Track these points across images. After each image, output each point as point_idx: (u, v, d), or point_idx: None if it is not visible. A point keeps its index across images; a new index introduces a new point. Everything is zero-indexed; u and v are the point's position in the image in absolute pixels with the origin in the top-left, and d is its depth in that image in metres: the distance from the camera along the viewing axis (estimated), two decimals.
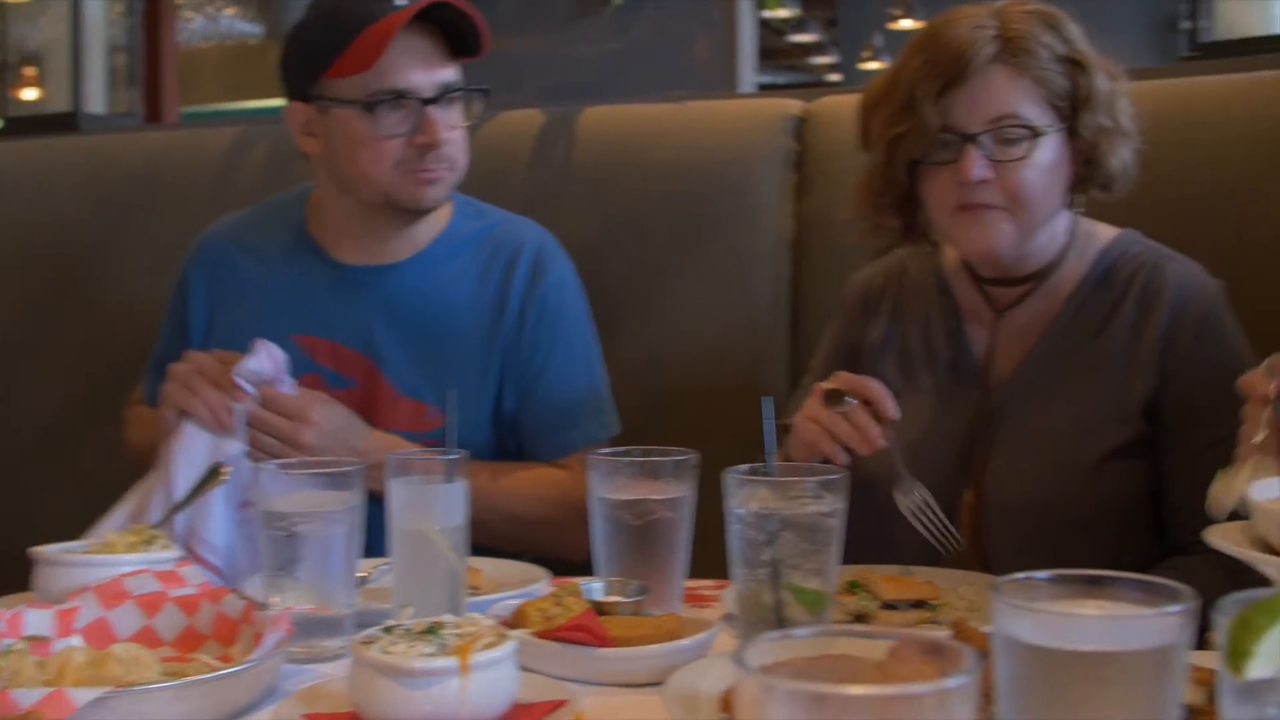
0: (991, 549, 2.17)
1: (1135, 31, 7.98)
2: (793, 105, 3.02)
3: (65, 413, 3.45)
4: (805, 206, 2.93)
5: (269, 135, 3.32)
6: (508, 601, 1.84)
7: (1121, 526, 2.16)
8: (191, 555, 2.06)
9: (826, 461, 2.09)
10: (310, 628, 1.74)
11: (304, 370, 2.51)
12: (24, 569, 1.88)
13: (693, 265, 2.95)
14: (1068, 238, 2.27)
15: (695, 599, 1.97)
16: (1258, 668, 0.94)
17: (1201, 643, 1.08)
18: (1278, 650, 0.93)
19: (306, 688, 1.58)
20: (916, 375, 2.33)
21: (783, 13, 12.09)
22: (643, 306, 2.97)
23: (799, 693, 0.88)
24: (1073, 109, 2.17)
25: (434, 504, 1.81)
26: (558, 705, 1.51)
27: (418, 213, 2.54)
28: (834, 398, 2.10)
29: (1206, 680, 1.24)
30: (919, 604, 1.87)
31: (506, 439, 2.61)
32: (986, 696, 1.09)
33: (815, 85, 9.95)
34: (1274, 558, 1.31)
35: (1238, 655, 0.93)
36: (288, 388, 2.33)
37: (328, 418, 2.36)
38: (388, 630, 1.51)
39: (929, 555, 2.15)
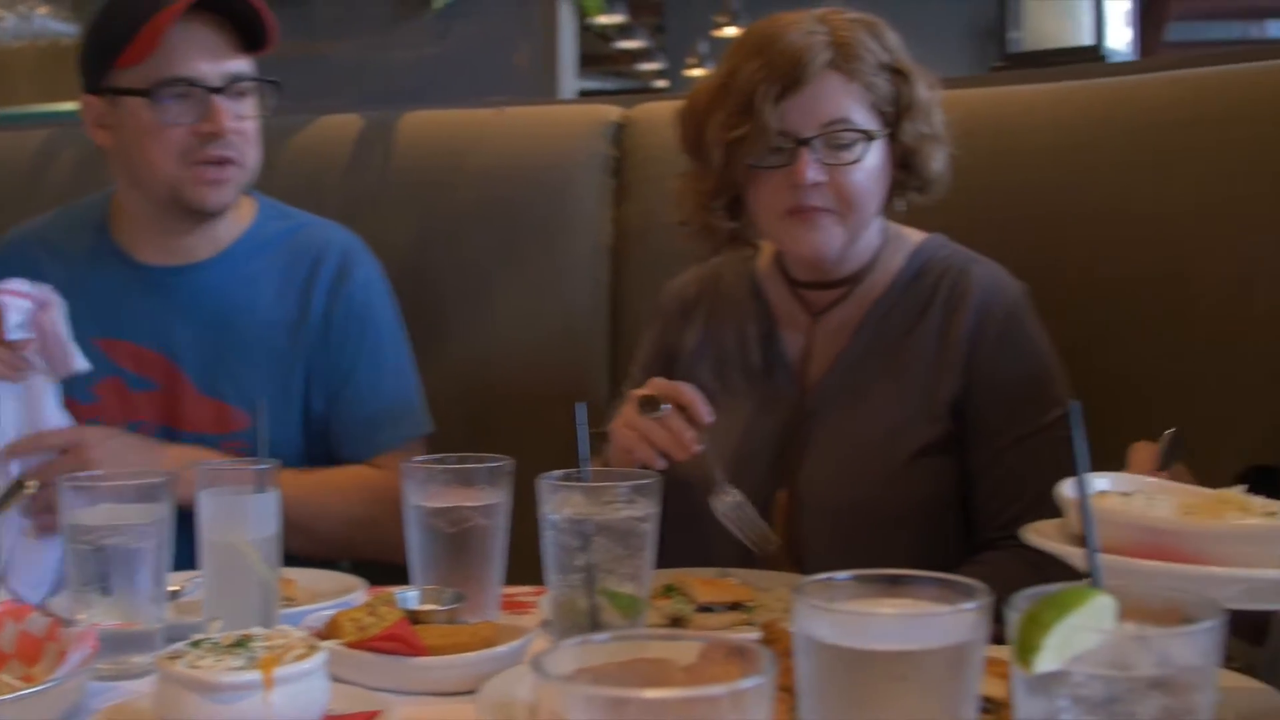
0: (806, 548, 2.20)
1: (956, 40, 8.16)
2: (612, 111, 3.03)
3: None
4: (624, 212, 2.94)
5: (81, 137, 3.24)
6: (322, 612, 1.81)
7: (932, 523, 2.20)
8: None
9: (645, 468, 2.10)
10: (118, 644, 1.69)
11: (105, 373, 2.48)
12: None
13: (513, 271, 2.94)
14: (880, 241, 2.32)
15: (513, 606, 1.96)
16: (1045, 661, 0.96)
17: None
18: (1065, 644, 0.96)
19: (113, 705, 1.55)
20: (731, 379, 2.34)
21: (610, 19, 12.14)
22: (464, 312, 2.95)
23: (597, 698, 0.88)
24: (896, 115, 2.23)
25: (244, 515, 1.77)
26: (371, 716, 1.50)
27: (205, 214, 2.52)
28: (650, 404, 2.11)
29: (1007, 674, 1.27)
30: (735, 606, 1.88)
31: (317, 442, 2.59)
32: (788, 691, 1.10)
33: (633, 92, 9.99)
34: (1080, 549, 1.34)
35: (1026, 650, 0.96)
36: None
37: (109, 453, 2.29)
38: (195, 644, 1.48)
39: (746, 558, 2.16)
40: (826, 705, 1.06)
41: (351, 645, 1.64)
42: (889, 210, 2.31)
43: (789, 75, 2.15)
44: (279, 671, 1.40)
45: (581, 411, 1.78)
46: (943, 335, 2.23)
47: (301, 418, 2.57)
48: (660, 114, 2.71)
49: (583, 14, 3.69)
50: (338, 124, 3.17)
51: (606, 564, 1.65)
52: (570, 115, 3.11)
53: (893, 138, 2.23)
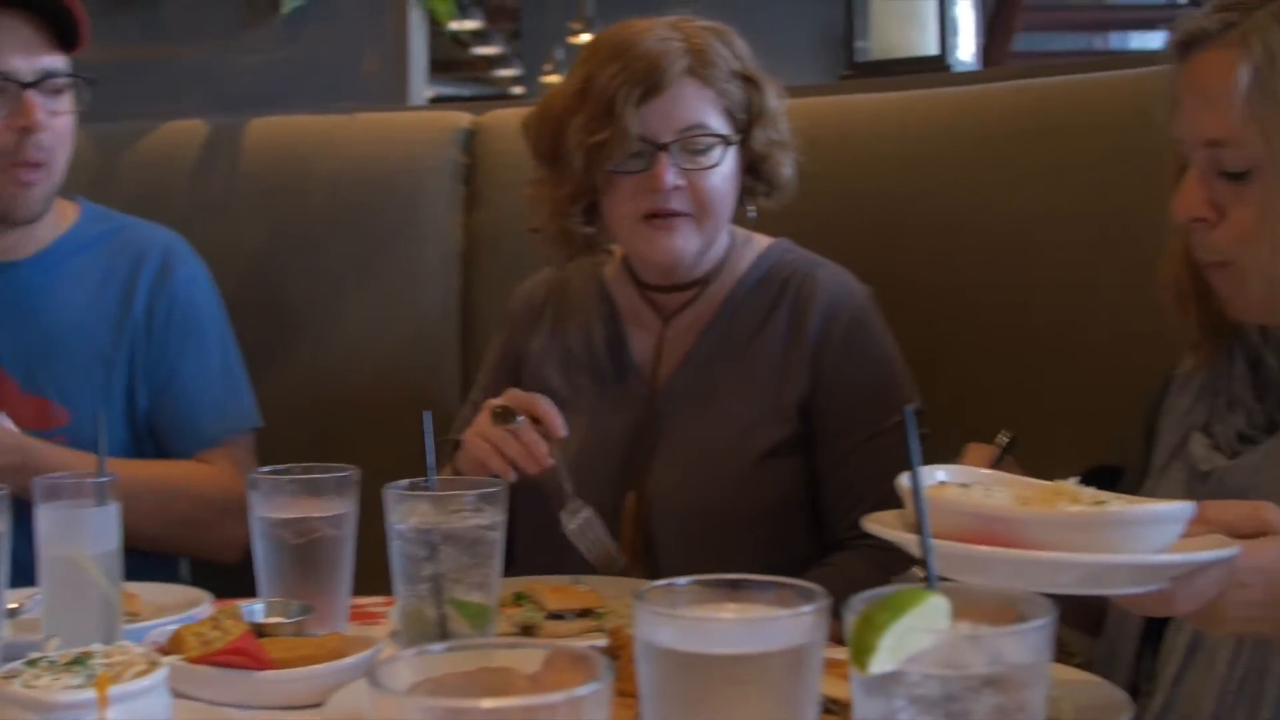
0: (656, 551, 2.21)
1: (808, 49, 8.27)
2: (462, 118, 3.02)
3: None
4: (475, 219, 2.94)
5: None
6: (166, 627, 1.78)
7: (783, 524, 2.23)
8: None
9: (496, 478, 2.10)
10: None
11: None
12: None
13: (364, 278, 2.92)
14: (728, 245, 2.34)
15: (362, 617, 1.95)
16: (880, 662, 0.97)
17: None
18: (899, 645, 0.97)
19: None
20: (579, 382, 2.35)
21: (466, 25, 12.10)
22: (313, 319, 2.93)
23: (434, 709, 0.88)
24: (748, 122, 2.26)
25: (84, 529, 1.73)
26: None
27: (13, 220, 2.50)
28: (503, 415, 2.11)
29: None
30: (585, 613, 1.88)
31: (144, 438, 2.58)
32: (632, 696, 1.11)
33: (488, 98, 9.97)
34: (945, 545, 1.36)
35: (861, 651, 0.97)
36: None
37: None
38: (31, 663, 1.45)
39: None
40: (668, 710, 1.06)
41: (195, 660, 1.61)
42: (740, 216, 2.33)
43: (649, 80, 2.16)
44: (115, 690, 1.38)
45: (428, 420, 1.77)
46: (790, 337, 2.25)
47: (126, 415, 2.56)
48: (511, 120, 2.70)
49: (435, 20, 3.65)
50: (183, 129, 3.12)
51: (454, 573, 1.65)
52: (421, 121, 3.10)
53: (743, 144, 2.26)
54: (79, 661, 1.44)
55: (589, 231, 2.31)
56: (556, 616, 1.87)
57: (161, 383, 2.58)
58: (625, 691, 1.39)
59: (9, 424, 2.35)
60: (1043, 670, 1.02)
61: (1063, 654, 1.93)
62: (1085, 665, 1.85)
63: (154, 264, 2.61)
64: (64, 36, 2.47)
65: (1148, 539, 1.31)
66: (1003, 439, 1.74)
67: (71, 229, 2.63)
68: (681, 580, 1.11)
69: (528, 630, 1.86)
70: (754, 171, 2.29)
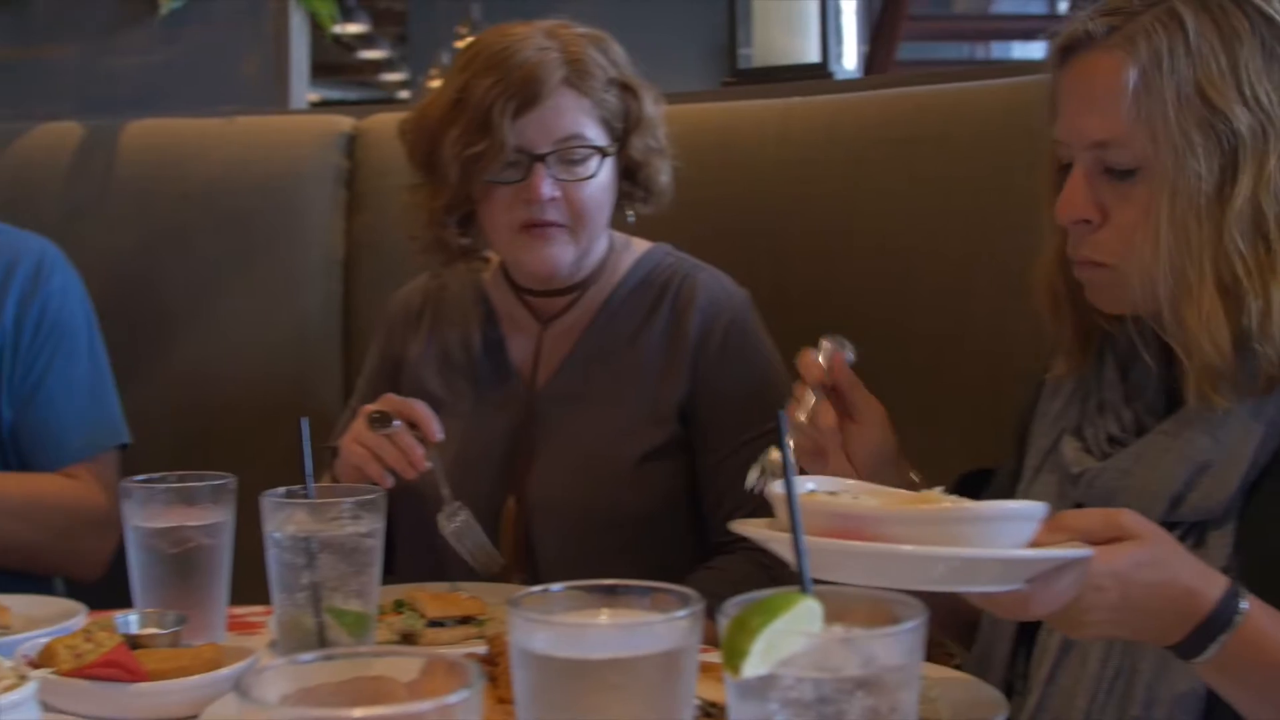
0: (536, 555, 2.21)
1: (695, 57, 8.29)
2: (344, 122, 3.00)
3: None
4: (356, 224, 2.92)
5: None
6: (37, 640, 1.74)
7: (664, 527, 2.23)
8: None
9: (374, 484, 2.08)
10: None
11: None
12: None
13: (243, 282, 2.89)
14: (607, 249, 2.34)
15: (241, 626, 1.93)
16: (753, 666, 0.97)
17: None
18: (771, 648, 0.97)
19: None
20: (458, 386, 2.33)
21: (352, 28, 12.01)
22: (192, 325, 2.89)
23: (303, 719, 0.86)
24: (625, 130, 2.25)
25: None
26: None
27: None
28: (380, 420, 2.09)
29: None
30: (466, 620, 1.88)
31: (8, 451, 2.51)
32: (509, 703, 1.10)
33: (373, 102, 9.90)
34: (786, 535, 1.37)
35: (734, 655, 0.97)
36: None
37: None
38: None
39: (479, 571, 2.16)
40: (543, 716, 1.06)
41: (66, 674, 1.58)
42: (619, 221, 2.34)
43: (526, 92, 2.15)
44: None
45: (305, 427, 1.75)
46: (668, 341, 2.26)
47: None
48: (394, 124, 2.66)
49: (317, 23, 3.62)
50: (57, 131, 3.07)
51: (332, 581, 1.64)
52: (302, 125, 3.07)
53: (621, 151, 2.26)
54: None
55: (465, 242, 2.30)
56: (437, 624, 1.86)
57: (27, 394, 2.50)
58: (506, 699, 1.39)
59: None
60: (915, 671, 1.03)
61: (942, 654, 1.96)
62: (962, 666, 1.88)
63: (24, 273, 2.53)
64: None
65: (1001, 536, 1.33)
66: (827, 343, 1.78)
67: None
68: (556, 586, 1.11)
69: (408, 638, 1.84)
70: (631, 178, 2.29)
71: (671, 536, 2.23)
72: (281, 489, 1.68)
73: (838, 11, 3.26)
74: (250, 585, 1.87)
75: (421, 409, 2.12)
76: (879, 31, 6.39)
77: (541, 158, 2.16)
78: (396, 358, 2.41)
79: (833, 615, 1.04)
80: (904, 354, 2.50)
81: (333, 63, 12.88)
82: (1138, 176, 1.60)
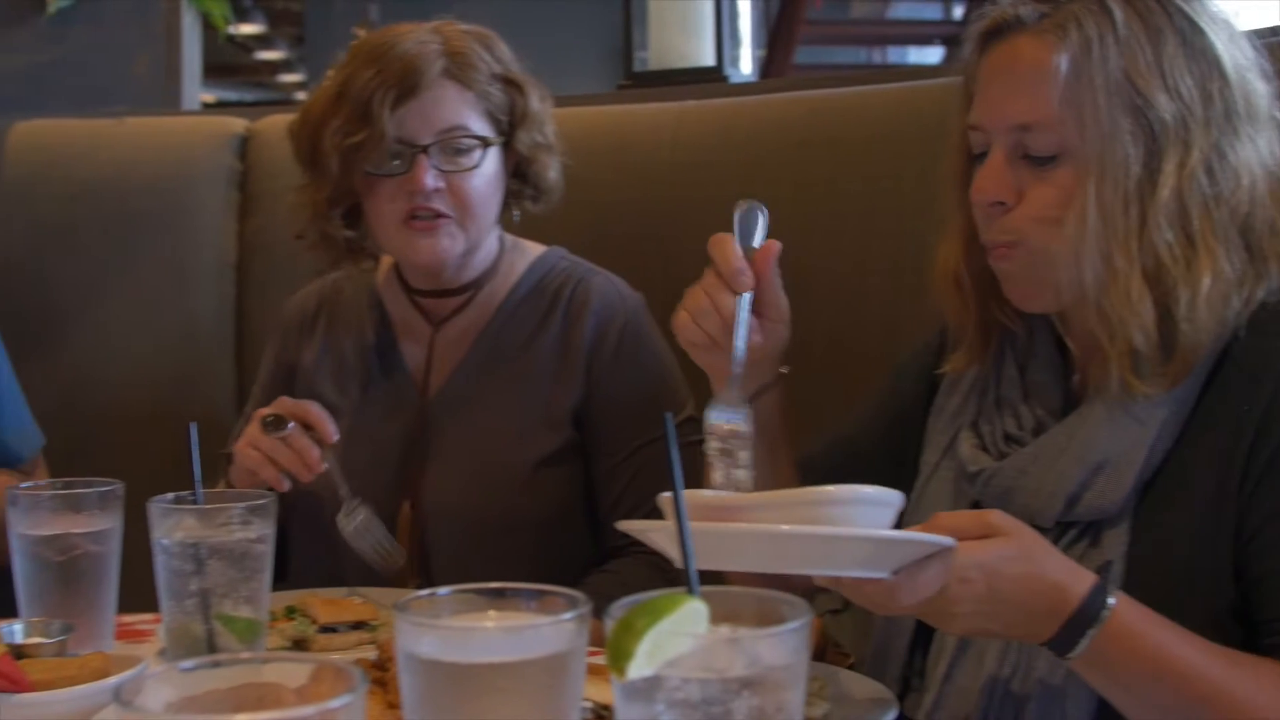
0: (432, 559, 2.21)
1: (595, 60, 8.29)
2: (236, 123, 2.98)
3: None
4: (249, 226, 2.90)
5: None
6: None
7: (561, 531, 2.24)
8: None
9: (270, 489, 2.07)
10: None
11: None
12: None
13: (132, 285, 2.86)
14: (498, 251, 2.34)
15: (130, 634, 1.90)
16: (638, 667, 0.97)
17: None
18: (657, 649, 0.98)
19: None
20: (352, 391, 2.33)
21: (248, 29, 11.89)
22: (80, 327, 2.86)
23: None
24: (511, 125, 2.26)
25: None
26: None
27: None
28: (274, 423, 2.08)
29: None
30: (359, 625, 1.87)
31: None
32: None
33: (258, 104, 9.80)
34: (664, 523, 1.38)
35: (619, 657, 0.97)
36: None
37: None
38: None
39: (376, 575, 2.15)
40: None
41: None
42: (509, 223, 2.34)
43: (405, 82, 2.16)
44: None
45: (194, 431, 1.73)
46: (563, 345, 2.26)
47: None
48: (287, 126, 2.67)
49: (211, 24, 3.58)
50: None
51: (222, 588, 1.62)
52: (194, 126, 3.04)
53: (508, 147, 2.26)
54: None
55: (350, 235, 2.30)
56: (329, 630, 1.85)
57: None
58: (396, 704, 1.38)
59: None
60: (800, 671, 1.04)
61: (836, 654, 1.98)
62: (859, 664, 1.90)
63: None
64: None
65: (856, 519, 1.37)
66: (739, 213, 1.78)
67: None
68: (443, 589, 1.11)
69: (299, 644, 1.83)
70: (520, 175, 2.30)
71: (568, 541, 2.24)
72: (170, 495, 1.66)
73: (734, 15, 3.28)
74: (139, 592, 1.84)
75: (315, 410, 2.11)
76: (776, 35, 6.45)
77: (424, 149, 2.16)
78: (291, 363, 2.40)
79: (720, 616, 1.04)
80: (798, 355, 2.51)
81: (230, 63, 12.74)
82: (1058, 162, 1.61)
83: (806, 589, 1.52)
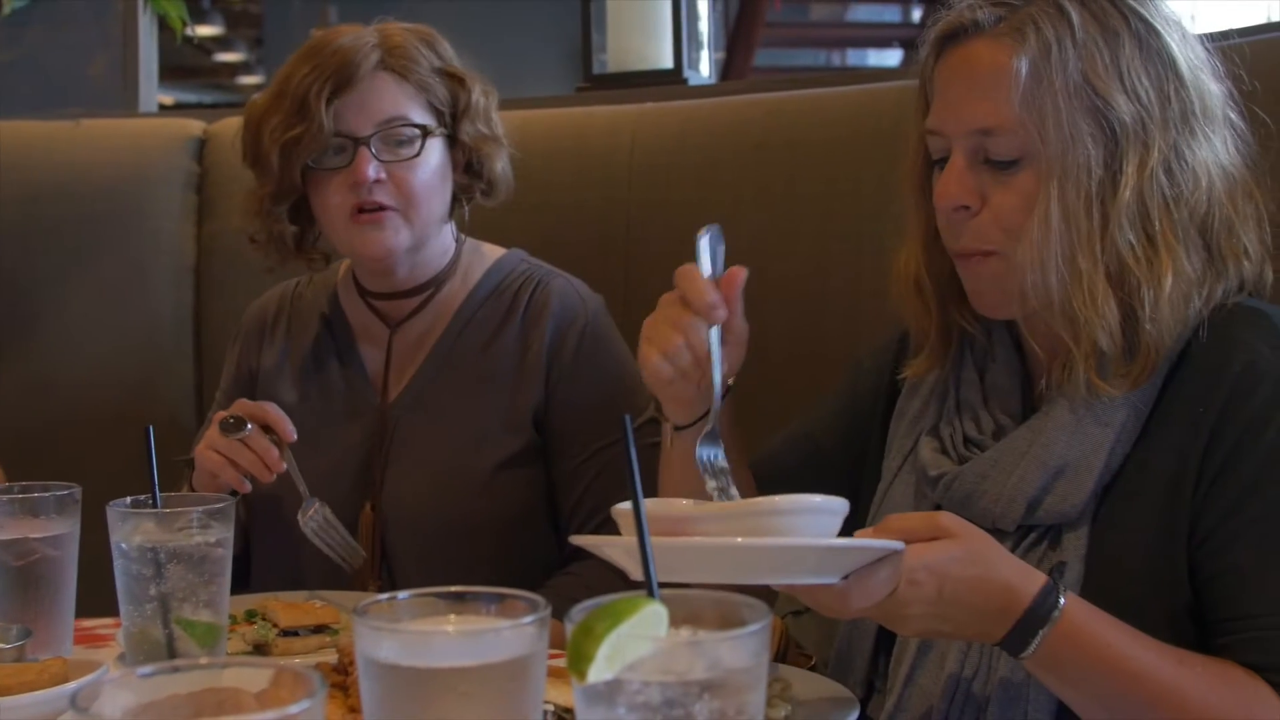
0: (393, 562, 2.21)
1: (556, 63, 8.30)
2: (194, 126, 2.97)
3: None
4: (207, 229, 2.89)
5: None
6: None
7: (523, 534, 2.23)
8: None
9: (234, 493, 2.07)
10: None
11: None
12: None
13: (90, 288, 2.84)
14: (455, 253, 2.34)
15: (89, 639, 1.89)
16: (598, 671, 0.97)
17: None
18: (616, 653, 0.98)
19: None
20: (312, 395, 2.33)
21: (206, 30, 11.83)
22: (36, 329, 2.84)
23: None
24: (454, 116, 2.27)
25: None
26: None
27: None
28: (233, 425, 2.07)
29: None
30: (319, 629, 1.86)
31: None
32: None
33: (216, 106, 9.76)
34: (624, 539, 1.39)
35: (579, 660, 0.97)
36: None
37: None
38: None
39: (338, 578, 2.15)
40: None
41: None
42: (459, 218, 2.34)
43: (340, 75, 2.17)
44: None
45: (151, 435, 1.72)
46: (522, 347, 2.26)
47: None
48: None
49: (169, 25, 3.56)
50: None
51: (181, 592, 1.62)
52: (151, 129, 3.03)
53: (454, 140, 2.27)
54: None
55: (295, 230, 2.30)
56: (290, 633, 1.84)
57: None
58: (358, 708, 1.38)
59: None
60: (761, 673, 1.04)
61: (799, 656, 1.98)
62: (821, 665, 1.91)
63: None
64: None
65: (804, 528, 1.38)
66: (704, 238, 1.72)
67: None
68: (403, 593, 1.11)
69: (260, 648, 1.83)
70: (467, 168, 2.30)
71: (529, 543, 2.24)
72: (127, 498, 1.65)
73: (693, 18, 3.28)
74: (98, 597, 1.84)
75: (273, 410, 2.11)
76: (735, 38, 6.47)
77: (365, 140, 2.17)
78: (252, 368, 2.40)
79: (680, 619, 1.04)
80: (758, 357, 2.52)
81: (189, 65, 12.68)
82: (1020, 165, 1.62)
83: (767, 591, 1.53)
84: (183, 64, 12.47)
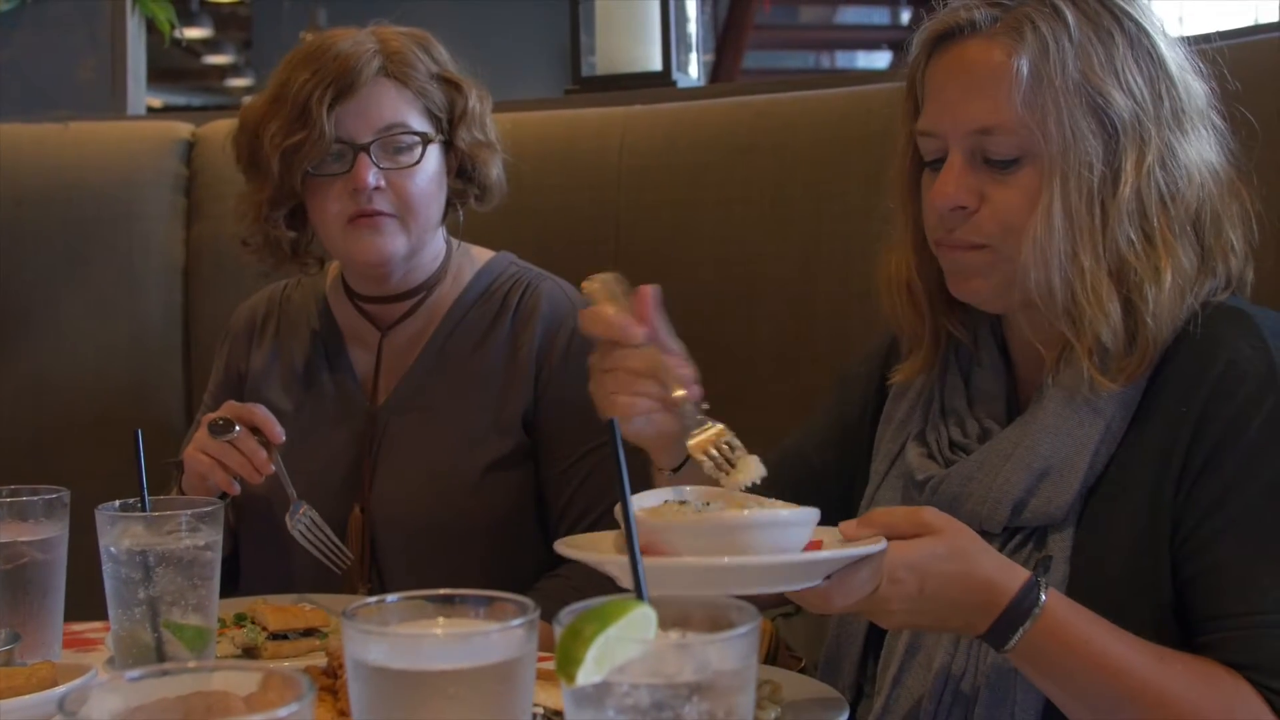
0: (383, 564, 2.20)
1: (544, 65, 8.31)
2: (182, 129, 2.96)
3: None
4: (196, 232, 2.89)
5: None
6: None
7: (511, 536, 2.24)
8: None
9: (223, 496, 2.07)
10: None
11: None
12: None
13: (79, 291, 2.84)
14: (445, 256, 2.34)
15: (78, 643, 1.89)
16: (587, 673, 0.98)
17: None
18: (605, 656, 0.98)
19: None
20: (301, 399, 2.33)
21: (195, 33, 11.82)
22: (26, 332, 2.84)
23: None
24: (451, 122, 2.26)
25: None
26: None
27: None
28: (222, 427, 2.07)
29: None
30: (309, 632, 1.86)
31: None
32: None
33: (205, 109, 9.75)
34: (619, 558, 1.40)
35: (568, 662, 0.97)
36: None
37: None
38: None
39: (327, 581, 2.15)
40: None
41: None
42: (457, 227, 2.34)
43: (341, 81, 2.16)
44: None
45: (139, 438, 1.72)
46: (512, 350, 2.26)
47: None
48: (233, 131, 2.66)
49: (157, 28, 3.55)
50: None
51: (170, 595, 1.61)
52: (139, 132, 3.02)
53: (450, 146, 2.27)
54: None
55: (292, 236, 2.29)
56: (279, 637, 1.84)
57: None
58: (347, 711, 1.38)
59: None
60: (750, 675, 1.04)
61: (788, 658, 1.99)
62: (811, 668, 1.91)
63: None
64: None
65: (776, 539, 1.40)
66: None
67: None
68: (392, 596, 1.11)
69: (249, 651, 1.82)
70: (463, 174, 2.30)
71: (519, 545, 2.23)
72: (116, 502, 1.65)
73: (682, 20, 3.28)
74: (87, 600, 1.84)
75: (261, 412, 2.11)
76: (724, 40, 6.47)
77: (365, 147, 2.17)
78: (240, 370, 2.40)
79: (669, 621, 1.05)
80: (747, 359, 2.53)
81: (178, 68, 12.68)
82: (1021, 164, 1.62)
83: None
84: (171, 66, 12.47)
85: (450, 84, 2.26)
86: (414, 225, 2.21)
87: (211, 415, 2.11)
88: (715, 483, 1.60)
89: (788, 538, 1.41)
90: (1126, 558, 1.59)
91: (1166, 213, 1.62)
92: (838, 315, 2.46)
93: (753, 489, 1.58)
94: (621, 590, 1.16)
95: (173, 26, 3.53)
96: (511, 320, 2.28)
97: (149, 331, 2.84)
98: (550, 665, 1.04)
